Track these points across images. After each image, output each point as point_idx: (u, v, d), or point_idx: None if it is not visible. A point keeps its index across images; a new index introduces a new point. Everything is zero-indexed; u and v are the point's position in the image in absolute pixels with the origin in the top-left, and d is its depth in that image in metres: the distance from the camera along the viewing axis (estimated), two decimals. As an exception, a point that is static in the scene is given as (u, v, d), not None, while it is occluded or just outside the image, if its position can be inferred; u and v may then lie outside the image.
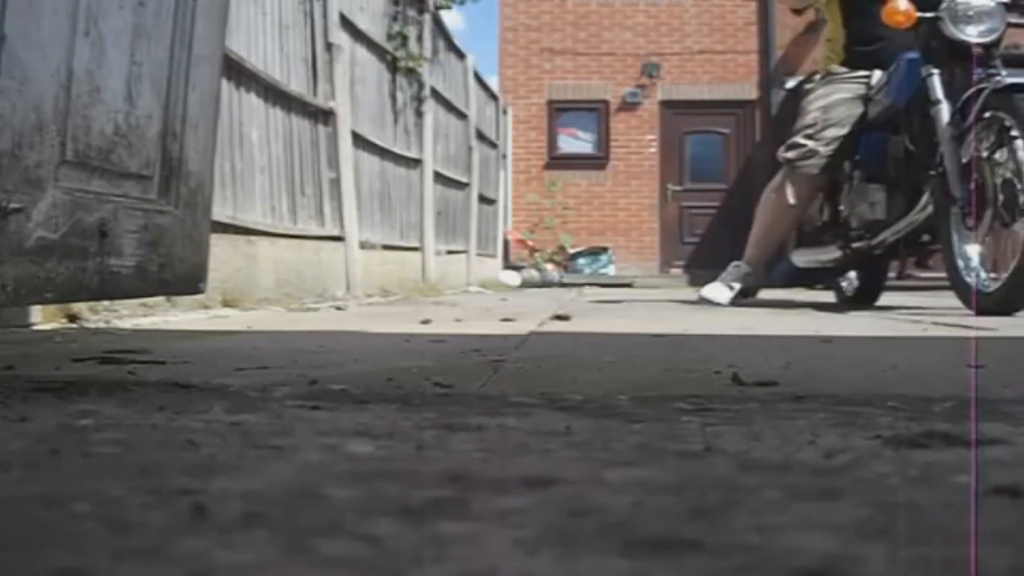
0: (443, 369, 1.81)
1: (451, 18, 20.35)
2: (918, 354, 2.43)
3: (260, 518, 0.69)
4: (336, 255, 6.19)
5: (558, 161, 14.45)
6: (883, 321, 3.74)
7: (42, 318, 2.97)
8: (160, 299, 3.48)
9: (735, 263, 5.24)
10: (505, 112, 13.73)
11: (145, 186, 2.16)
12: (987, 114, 3.80)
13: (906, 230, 4.45)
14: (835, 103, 4.77)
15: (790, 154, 4.87)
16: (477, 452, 0.98)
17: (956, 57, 4.03)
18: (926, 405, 1.31)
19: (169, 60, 2.21)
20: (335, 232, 6.18)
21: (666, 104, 14.38)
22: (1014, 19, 4.17)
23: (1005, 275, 3.70)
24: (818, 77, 5.06)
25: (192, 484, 0.80)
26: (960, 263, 3.94)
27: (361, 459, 0.93)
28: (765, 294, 5.74)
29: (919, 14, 4.13)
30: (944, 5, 4.06)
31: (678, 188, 14.30)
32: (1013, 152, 3.68)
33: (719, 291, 5.10)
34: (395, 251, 7.75)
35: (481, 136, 11.61)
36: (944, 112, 4.03)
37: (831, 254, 5.03)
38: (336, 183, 6.23)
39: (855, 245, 4.81)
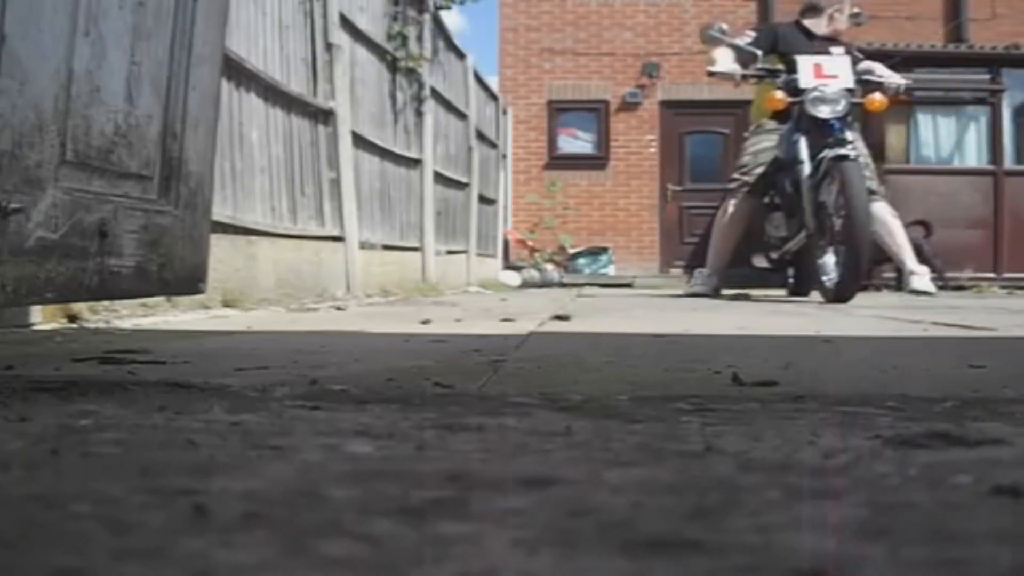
0: (443, 369, 1.81)
1: (451, 18, 20.31)
2: (918, 354, 2.43)
3: (260, 518, 0.69)
4: (336, 255, 6.19)
5: (558, 161, 14.42)
6: (883, 321, 3.74)
7: (42, 318, 2.97)
8: (160, 299, 3.48)
9: (699, 270, 7.10)
10: (505, 112, 13.71)
11: (145, 186, 2.16)
12: (834, 172, 5.44)
13: (798, 245, 6.18)
14: (762, 149, 6.57)
15: (732, 185, 6.84)
16: (477, 452, 0.98)
17: (816, 127, 5.74)
18: (926, 405, 1.31)
19: (169, 60, 2.21)
20: (335, 232, 6.18)
21: (666, 104, 14.36)
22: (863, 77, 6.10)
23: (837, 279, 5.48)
24: (752, 127, 6.88)
25: (192, 484, 0.79)
26: (819, 268, 5.66)
27: (361, 459, 0.93)
28: (764, 294, 6.99)
29: (790, 99, 5.90)
30: (806, 92, 5.76)
31: (678, 188, 14.28)
32: (842, 199, 5.32)
33: (699, 288, 6.88)
34: (395, 251, 7.75)
35: (481, 136, 11.60)
36: (806, 168, 5.78)
37: (765, 259, 7.07)
38: (336, 183, 6.23)
39: (772, 254, 6.82)
